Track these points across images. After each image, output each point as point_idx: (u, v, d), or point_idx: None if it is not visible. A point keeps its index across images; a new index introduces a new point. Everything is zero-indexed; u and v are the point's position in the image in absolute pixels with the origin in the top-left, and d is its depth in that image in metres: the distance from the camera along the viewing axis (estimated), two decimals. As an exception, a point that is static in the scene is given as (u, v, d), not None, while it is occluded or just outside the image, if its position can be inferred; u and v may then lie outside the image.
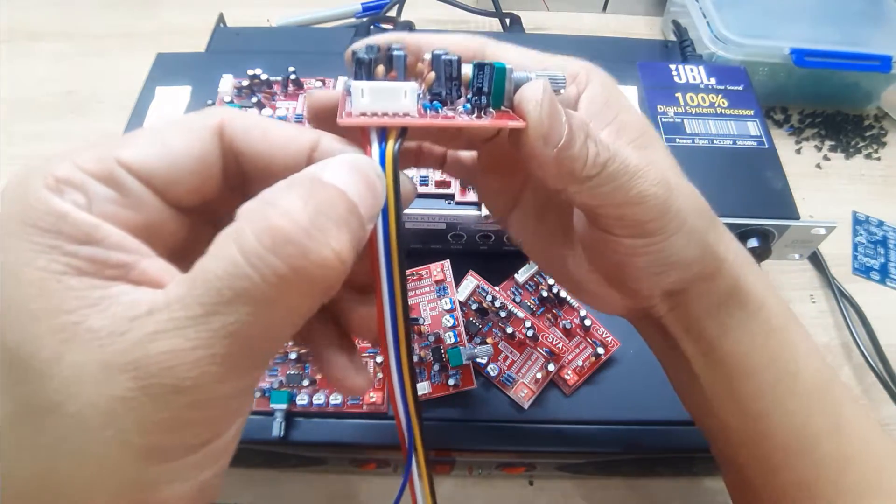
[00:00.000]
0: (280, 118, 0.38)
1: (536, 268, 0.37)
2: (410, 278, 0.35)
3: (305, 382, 0.32)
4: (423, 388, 0.32)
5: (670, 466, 0.37)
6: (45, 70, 0.58)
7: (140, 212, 0.15)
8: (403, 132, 0.17)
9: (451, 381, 0.32)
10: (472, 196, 0.35)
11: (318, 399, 0.32)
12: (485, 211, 0.34)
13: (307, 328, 0.19)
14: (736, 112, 0.42)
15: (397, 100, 0.16)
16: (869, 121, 0.58)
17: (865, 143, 0.56)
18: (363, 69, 0.17)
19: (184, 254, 0.16)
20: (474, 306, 0.35)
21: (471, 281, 0.36)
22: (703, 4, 0.54)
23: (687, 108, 0.42)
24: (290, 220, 0.12)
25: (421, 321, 0.34)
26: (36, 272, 0.12)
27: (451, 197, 0.35)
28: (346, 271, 0.14)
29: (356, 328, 0.19)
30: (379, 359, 0.33)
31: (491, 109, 0.18)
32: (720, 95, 0.43)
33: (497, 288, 0.36)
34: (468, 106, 0.18)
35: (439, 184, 0.35)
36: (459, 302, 0.35)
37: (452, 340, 0.33)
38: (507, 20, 0.59)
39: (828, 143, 0.56)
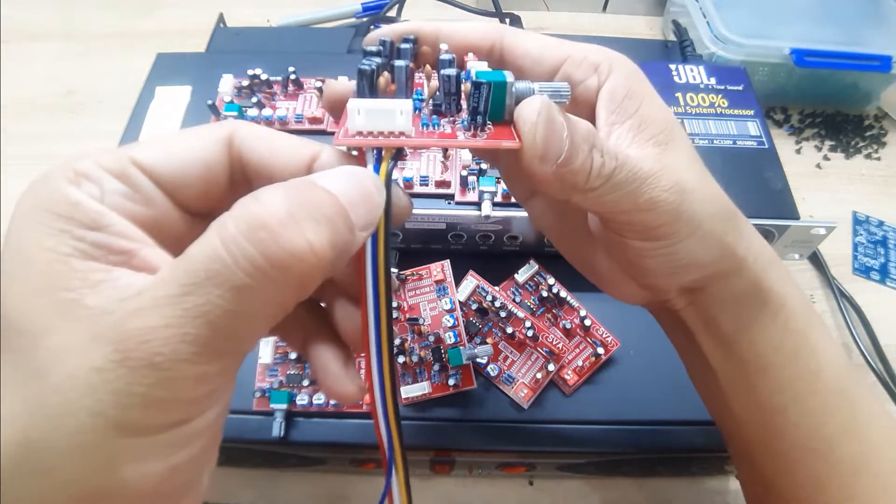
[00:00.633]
0: (280, 118, 0.38)
1: (536, 267, 0.37)
2: (410, 278, 0.36)
3: (305, 382, 0.32)
4: (423, 388, 0.32)
5: (670, 466, 0.37)
6: (45, 70, 0.58)
7: (149, 208, 0.16)
8: (399, 151, 0.17)
9: (451, 381, 0.32)
10: (472, 196, 0.35)
11: (318, 399, 0.32)
12: (485, 211, 0.34)
13: (304, 334, 0.19)
14: (736, 112, 0.42)
15: (392, 119, 0.17)
16: (869, 121, 0.58)
17: (865, 143, 0.56)
18: (365, 81, 0.17)
19: None
20: (474, 306, 0.35)
21: (471, 281, 0.36)
22: (703, 4, 0.54)
23: (687, 108, 0.42)
24: (266, 209, 0.13)
25: (421, 321, 0.34)
26: (44, 252, 0.13)
27: (451, 197, 0.35)
28: (324, 270, 0.14)
29: (349, 337, 0.19)
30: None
31: (489, 125, 0.18)
32: (720, 95, 0.43)
33: (497, 288, 0.36)
34: (465, 122, 0.18)
35: (439, 184, 0.35)
36: (459, 302, 0.35)
37: (452, 340, 0.33)
38: (507, 20, 0.59)
39: (828, 143, 0.56)
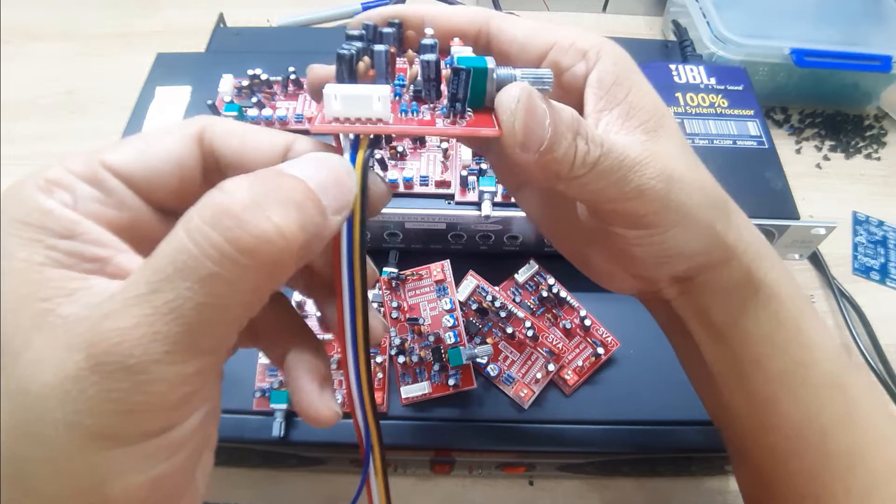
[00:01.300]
0: (280, 118, 0.38)
1: (536, 267, 0.37)
2: (411, 278, 0.35)
3: (305, 382, 0.32)
4: (423, 388, 0.32)
5: (670, 466, 0.37)
6: (45, 70, 0.58)
7: (122, 210, 0.15)
8: (377, 138, 0.17)
9: (451, 381, 0.32)
10: (472, 196, 0.35)
11: (318, 399, 0.32)
12: (485, 211, 0.34)
13: (283, 353, 0.19)
14: (736, 112, 0.42)
15: (369, 106, 0.16)
16: (869, 121, 0.58)
17: (865, 143, 0.56)
18: (344, 66, 0.17)
19: None
20: (474, 306, 0.35)
21: (471, 281, 0.36)
22: (703, 4, 0.54)
23: (687, 108, 0.42)
24: (230, 197, 0.13)
25: (421, 321, 0.34)
26: (18, 262, 0.13)
27: (451, 197, 0.35)
28: (294, 254, 0.13)
29: (333, 328, 0.19)
30: (379, 359, 0.33)
31: (469, 112, 0.17)
32: (720, 95, 0.43)
33: (497, 288, 0.36)
34: (445, 109, 0.17)
35: (439, 184, 0.35)
36: (459, 302, 0.35)
37: (452, 340, 0.33)
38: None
39: (828, 143, 0.56)
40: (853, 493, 0.21)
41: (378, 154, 0.36)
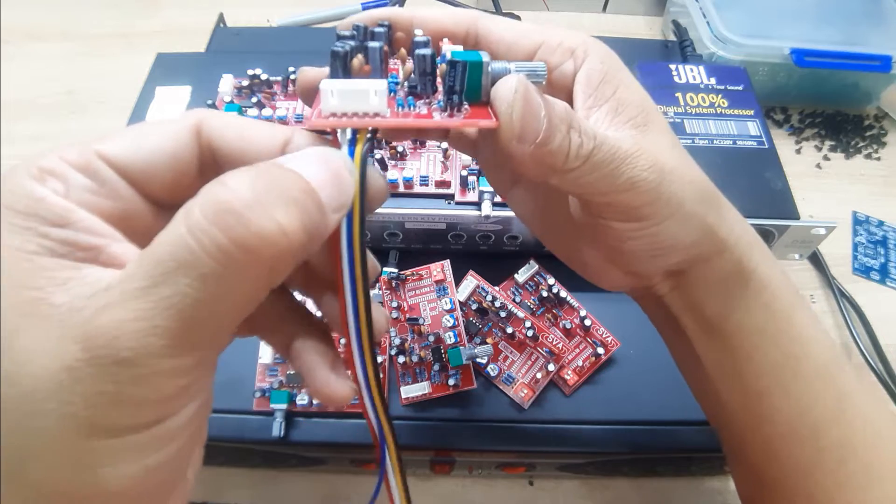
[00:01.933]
0: (280, 118, 0.38)
1: (536, 267, 0.37)
2: (411, 278, 0.36)
3: (305, 382, 0.32)
4: (423, 388, 0.32)
5: (670, 466, 0.37)
6: (45, 70, 0.58)
7: (116, 201, 0.15)
8: (374, 131, 0.17)
9: (451, 381, 0.32)
10: (472, 196, 0.35)
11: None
12: (485, 211, 0.34)
13: (287, 336, 0.19)
14: (736, 112, 0.42)
15: (366, 100, 0.16)
16: (869, 121, 0.58)
17: (865, 143, 0.56)
18: (338, 62, 0.17)
19: None
20: (474, 306, 0.35)
21: (471, 281, 0.36)
22: (703, 4, 0.54)
23: (687, 108, 0.42)
24: (232, 194, 0.13)
25: (421, 321, 0.34)
26: (9, 250, 0.13)
27: (451, 197, 0.35)
28: (295, 252, 0.13)
29: (334, 325, 0.19)
30: (379, 359, 0.33)
31: (465, 105, 0.17)
32: (720, 95, 0.43)
33: (497, 288, 0.36)
34: (441, 102, 0.17)
35: (439, 184, 0.35)
36: (459, 302, 0.35)
37: (452, 340, 0.33)
38: (507, 20, 0.59)
39: (828, 143, 0.56)
40: (846, 488, 0.21)
41: (378, 154, 0.36)
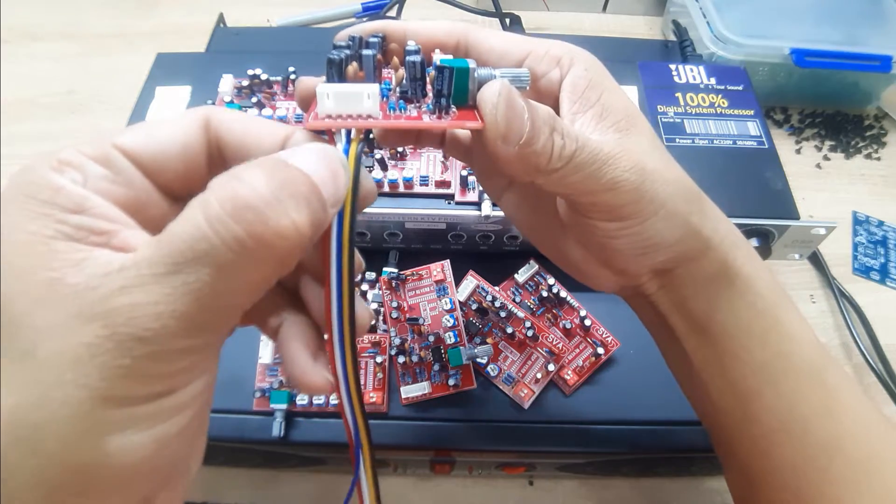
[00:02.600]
0: (280, 118, 0.38)
1: (536, 267, 0.37)
2: (411, 278, 0.36)
3: (305, 382, 0.32)
4: (423, 388, 0.32)
5: (670, 466, 0.37)
6: (45, 70, 0.58)
7: (130, 189, 0.16)
8: (367, 133, 0.18)
9: (451, 381, 0.32)
10: (472, 196, 0.35)
11: (318, 399, 0.32)
12: (485, 211, 0.34)
13: (278, 322, 0.19)
14: (736, 112, 0.42)
15: (360, 103, 0.17)
16: (869, 121, 0.58)
17: (865, 143, 0.56)
18: (334, 69, 0.18)
19: None
20: (474, 306, 0.35)
21: (471, 281, 0.36)
22: (703, 4, 0.54)
23: (687, 108, 0.42)
24: (252, 190, 0.14)
25: (421, 321, 0.34)
26: (26, 235, 0.14)
27: (451, 197, 0.35)
28: (303, 247, 0.14)
29: (318, 316, 0.20)
30: (379, 359, 0.33)
31: (453, 108, 0.18)
32: (720, 95, 0.43)
33: (497, 288, 0.36)
34: (431, 106, 0.18)
35: (439, 184, 0.35)
36: (459, 302, 0.35)
37: (452, 340, 0.33)
38: (507, 20, 0.59)
39: (828, 143, 0.56)
40: (834, 484, 0.21)
41: (378, 154, 0.36)
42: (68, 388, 0.13)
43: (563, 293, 0.36)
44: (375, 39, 0.21)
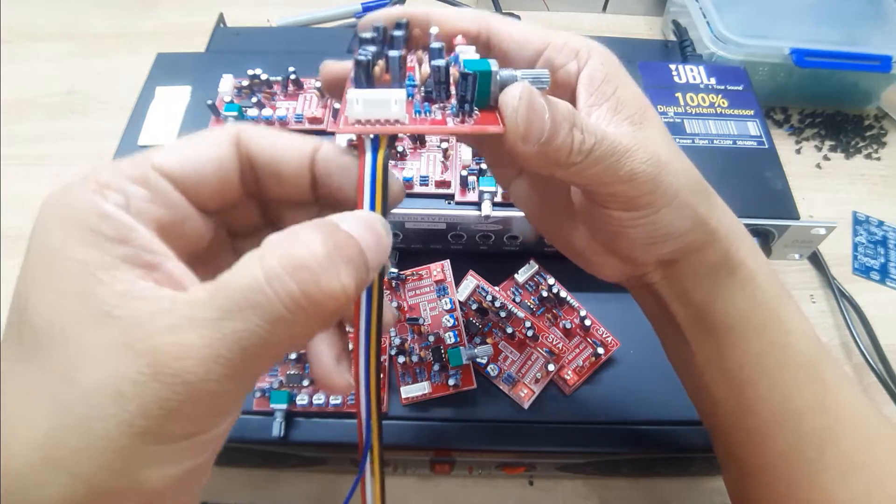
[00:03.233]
0: (280, 118, 0.38)
1: (536, 267, 0.37)
2: (411, 278, 0.35)
3: (305, 382, 0.32)
4: (423, 388, 0.32)
5: (670, 466, 0.37)
6: (45, 70, 0.58)
7: (170, 209, 0.17)
8: (394, 137, 0.19)
9: (451, 381, 0.32)
10: (472, 196, 0.35)
11: (318, 399, 0.32)
12: (485, 211, 0.34)
13: None
14: (736, 112, 0.42)
15: (387, 108, 0.18)
16: (869, 121, 0.58)
17: (865, 143, 0.56)
18: (362, 70, 0.18)
19: (205, 258, 0.18)
20: (474, 306, 0.35)
21: (471, 281, 0.36)
22: (703, 4, 0.54)
23: (687, 108, 0.42)
24: (309, 252, 0.14)
25: (421, 321, 0.34)
26: (73, 263, 0.14)
27: (451, 197, 0.35)
28: (348, 308, 0.15)
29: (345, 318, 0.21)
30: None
31: (476, 111, 0.19)
32: (720, 95, 0.43)
33: (497, 288, 0.36)
34: (454, 108, 0.19)
35: (439, 184, 0.35)
36: (459, 302, 0.35)
37: (452, 340, 0.33)
38: (507, 20, 0.59)
39: (828, 143, 0.56)
40: (826, 474, 0.22)
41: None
42: (110, 423, 0.13)
43: (563, 293, 0.36)
44: (400, 33, 0.21)
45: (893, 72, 0.51)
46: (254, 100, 0.39)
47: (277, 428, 0.31)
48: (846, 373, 0.24)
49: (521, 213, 0.34)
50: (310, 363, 0.19)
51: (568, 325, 0.35)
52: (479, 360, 0.33)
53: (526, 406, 0.33)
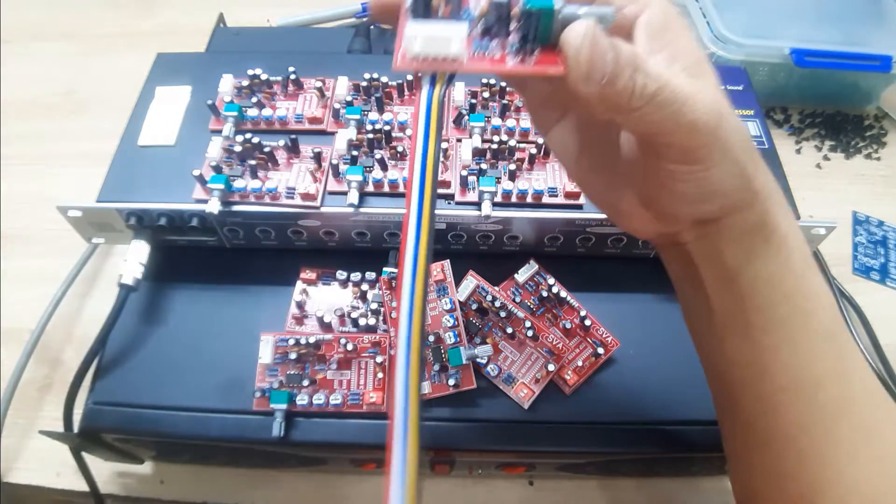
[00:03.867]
0: (280, 118, 0.38)
1: (536, 268, 0.37)
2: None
3: (305, 382, 0.32)
4: (424, 388, 0.32)
5: (670, 466, 0.37)
6: (45, 70, 0.58)
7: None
8: (452, 75, 0.19)
9: (451, 381, 0.32)
10: (472, 196, 0.35)
11: (318, 399, 0.32)
12: (485, 211, 0.34)
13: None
14: (736, 112, 0.42)
15: (447, 46, 0.18)
16: (869, 121, 0.58)
17: (865, 143, 0.56)
18: (419, 3, 0.18)
19: None
20: (474, 306, 0.35)
21: (471, 281, 0.36)
22: (703, 4, 0.54)
23: (687, 108, 0.42)
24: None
25: (421, 321, 0.34)
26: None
27: (451, 197, 0.35)
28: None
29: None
30: (379, 359, 0.33)
31: (537, 50, 0.19)
32: (720, 95, 0.43)
33: (497, 288, 0.36)
34: (514, 48, 0.19)
35: (439, 184, 0.35)
36: (459, 302, 0.35)
37: (452, 340, 0.33)
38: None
39: (828, 143, 0.56)
40: (839, 446, 0.22)
41: (378, 154, 0.36)
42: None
43: (563, 293, 0.36)
44: None
45: (893, 72, 0.51)
46: (254, 100, 0.39)
47: (277, 428, 0.31)
48: (856, 344, 0.24)
49: (522, 214, 0.35)
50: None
51: (568, 325, 0.35)
52: (479, 360, 0.33)
53: (526, 406, 0.33)
